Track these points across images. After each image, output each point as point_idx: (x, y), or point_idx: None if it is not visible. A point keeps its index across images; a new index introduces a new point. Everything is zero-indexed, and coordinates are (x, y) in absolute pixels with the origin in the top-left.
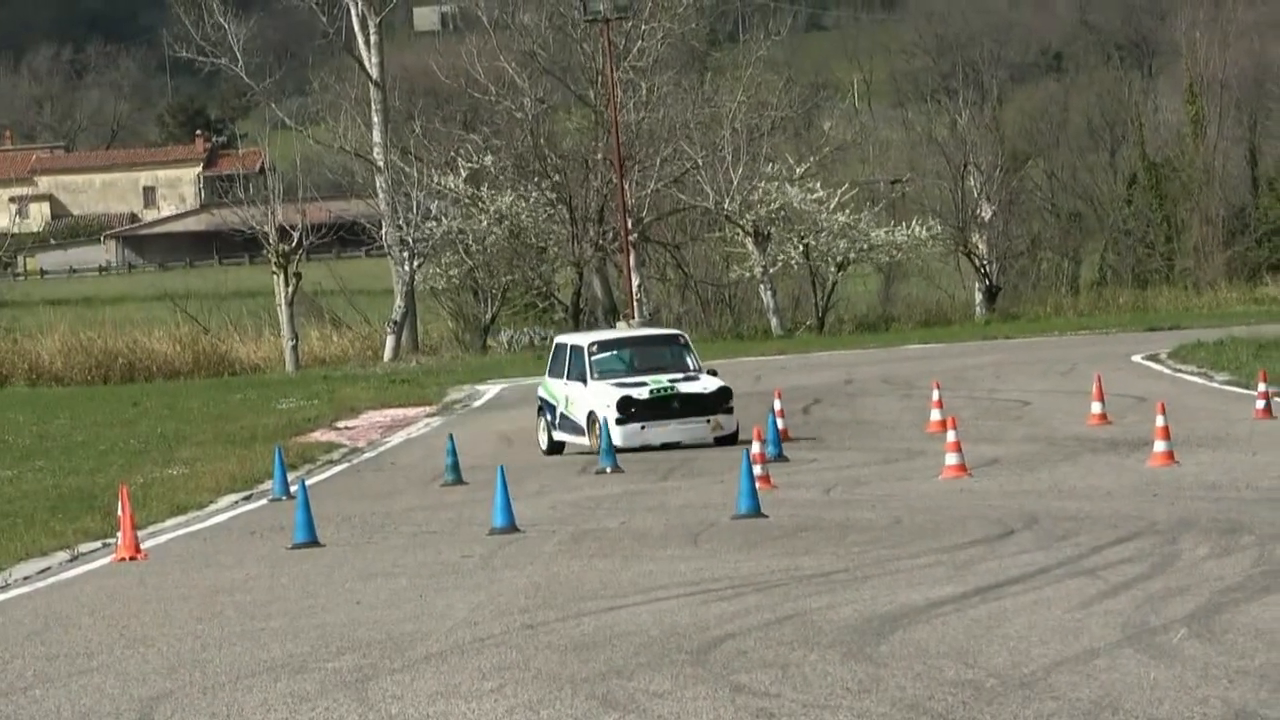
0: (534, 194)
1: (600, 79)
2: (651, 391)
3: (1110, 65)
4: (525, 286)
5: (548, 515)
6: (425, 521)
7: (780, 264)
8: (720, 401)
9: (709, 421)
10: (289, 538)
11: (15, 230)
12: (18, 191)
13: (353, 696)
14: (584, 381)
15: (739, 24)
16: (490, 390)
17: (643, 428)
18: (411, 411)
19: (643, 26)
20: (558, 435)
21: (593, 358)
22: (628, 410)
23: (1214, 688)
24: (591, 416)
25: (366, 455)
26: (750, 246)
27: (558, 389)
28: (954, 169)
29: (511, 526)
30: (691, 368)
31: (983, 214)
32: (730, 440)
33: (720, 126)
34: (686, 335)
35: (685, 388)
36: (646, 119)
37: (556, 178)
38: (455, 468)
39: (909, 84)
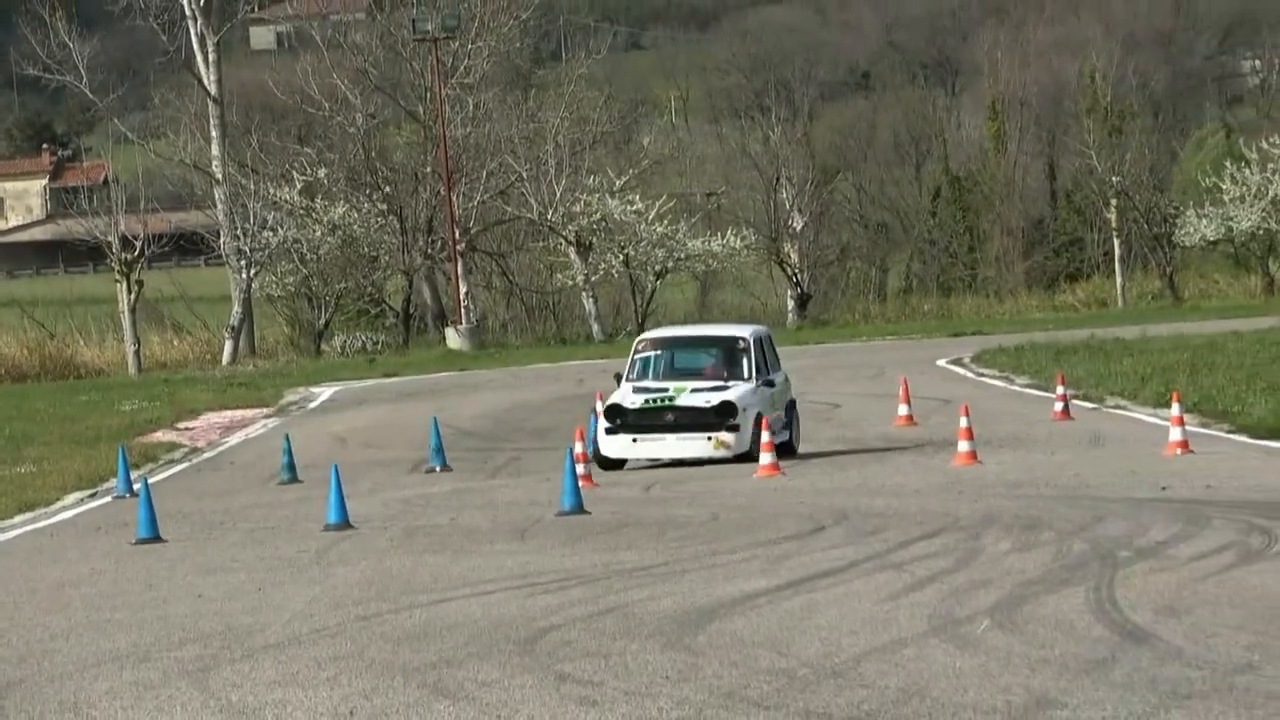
0: (366, 205)
1: (429, 95)
2: (645, 401)
3: (915, 84)
4: (358, 294)
5: (380, 512)
6: (263, 518)
7: (601, 272)
8: (722, 417)
9: (710, 439)
10: (133, 533)
11: None
12: None
13: (195, 685)
14: (619, 382)
15: (561, 43)
16: (325, 392)
17: (634, 440)
18: (249, 413)
19: (469, 46)
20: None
21: (637, 356)
22: (615, 419)
23: (1016, 676)
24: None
25: (206, 455)
26: (573, 256)
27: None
28: (767, 182)
29: (345, 523)
30: (744, 375)
31: (794, 225)
32: (748, 459)
33: (544, 141)
34: (753, 337)
35: (685, 400)
36: (473, 134)
37: (387, 190)
38: (291, 467)
39: (724, 101)
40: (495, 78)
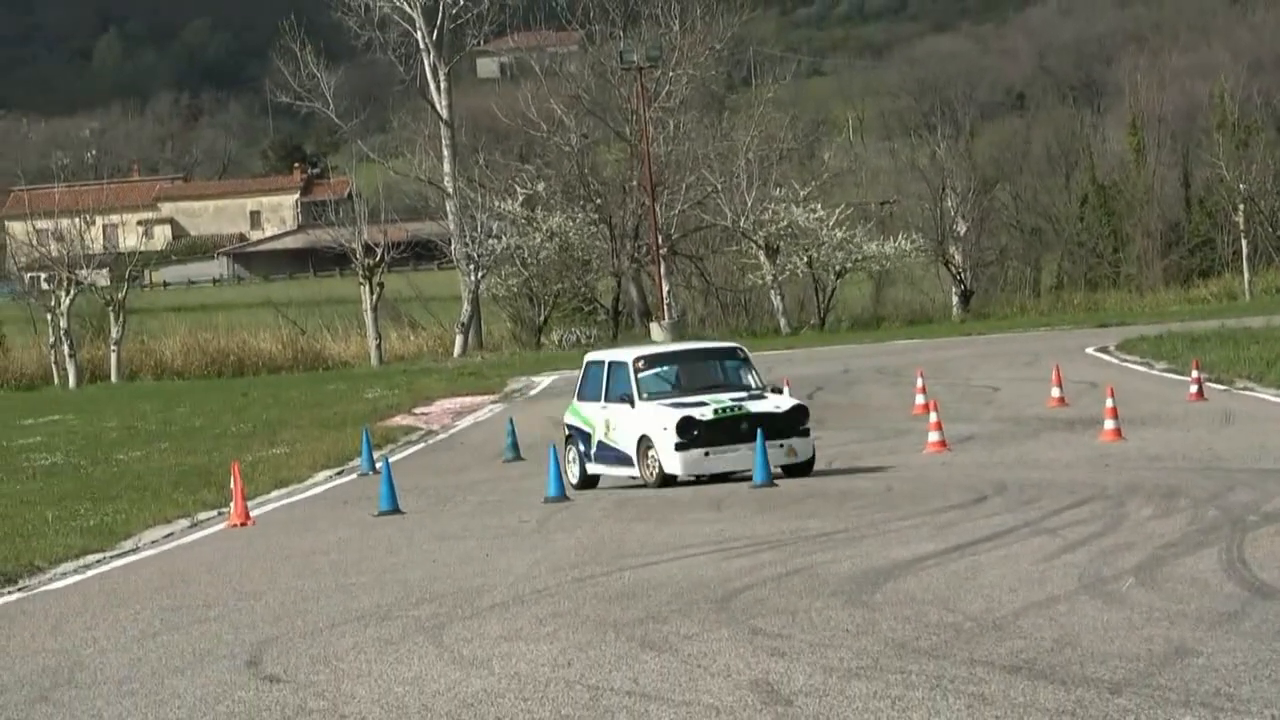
0: (579, 215)
1: (634, 118)
2: (716, 411)
3: (1065, 103)
4: (572, 293)
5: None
6: (490, 492)
7: (787, 273)
8: (795, 423)
9: (782, 446)
10: (375, 506)
11: (142, 248)
12: (144, 215)
13: (430, 640)
14: (630, 403)
15: (752, 71)
16: (544, 381)
17: (706, 454)
18: (477, 399)
19: (670, 73)
20: (594, 467)
21: (639, 375)
22: (689, 433)
23: (1157, 628)
24: (644, 442)
25: (440, 436)
26: (762, 258)
27: (593, 414)
28: (933, 192)
29: (563, 496)
30: (754, 385)
31: (958, 229)
32: (804, 470)
33: (736, 157)
34: (746, 349)
35: (754, 407)
36: (674, 151)
37: (598, 201)
38: (514, 446)
39: (895, 120)
40: (693, 101)
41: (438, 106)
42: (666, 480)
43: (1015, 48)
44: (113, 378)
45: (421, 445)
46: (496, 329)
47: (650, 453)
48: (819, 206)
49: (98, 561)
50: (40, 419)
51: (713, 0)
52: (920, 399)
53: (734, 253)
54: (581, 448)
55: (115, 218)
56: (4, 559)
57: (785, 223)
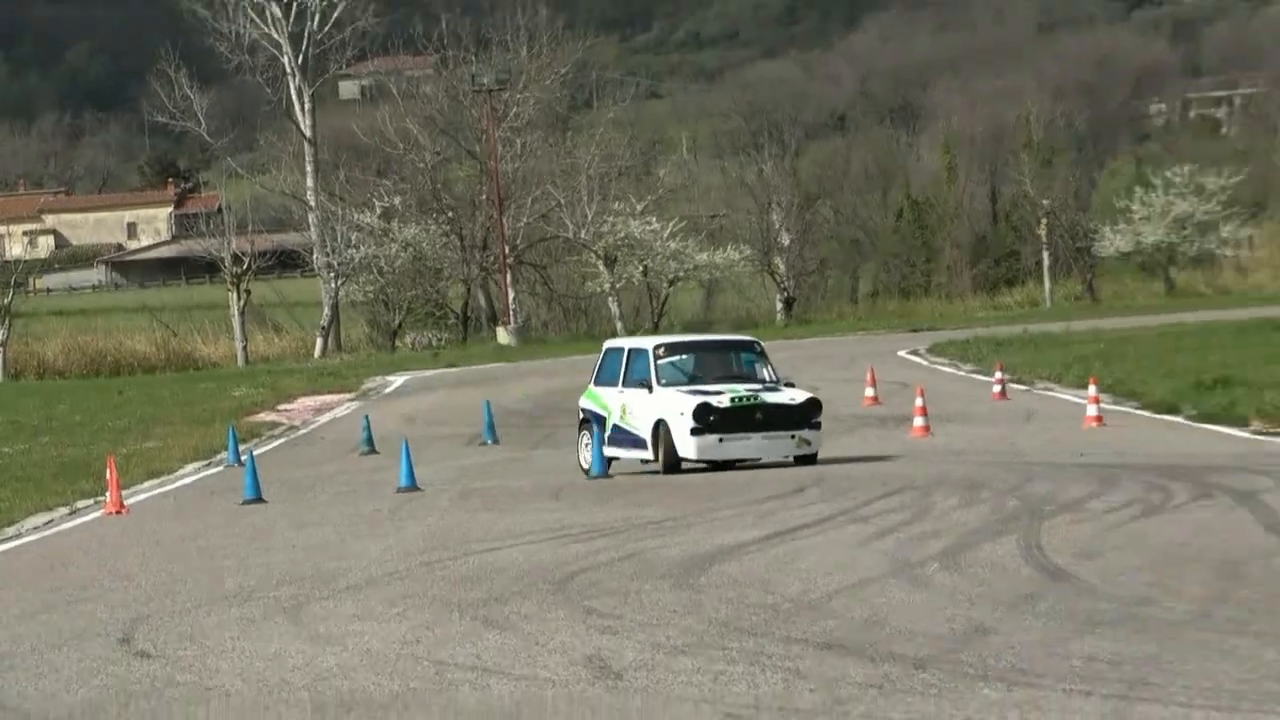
0: (432, 227)
1: (484, 137)
2: (733, 400)
3: (883, 125)
4: (424, 299)
5: (442, 478)
6: (346, 483)
7: (624, 281)
8: (809, 415)
9: (794, 437)
10: (240, 496)
11: (27, 256)
12: (29, 226)
13: (290, 619)
14: (648, 388)
15: (593, 93)
16: (397, 380)
17: (720, 440)
18: (336, 397)
19: (518, 96)
20: (609, 450)
21: (659, 362)
22: (705, 419)
23: (959, 608)
24: (660, 426)
25: (301, 431)
26: (601, 267)
27: (610, 398)
28: (760, 206)
29: (414, 487)
30: (768, 378)
31: (782, 241)
32: (811, 460)
33: (578, 173)
34: (762, 344)
35: (770, 397)
36: (520, 167)
37: (450, 214)
38: (370, 441)
39: (726, 140)
40: (539, 121)
41: (302, 126)
42: (677, 463)
43: (838, 73)
44: None
45: (284, 440)
46: (354, 332)
47: (665, 436)
48: (654, 219)
49: None
50: None
51: (557, 27)
52: None
53: (575, 262)
54: (596, 430)
55: (1, 229)
56: None
57: (623, 234)
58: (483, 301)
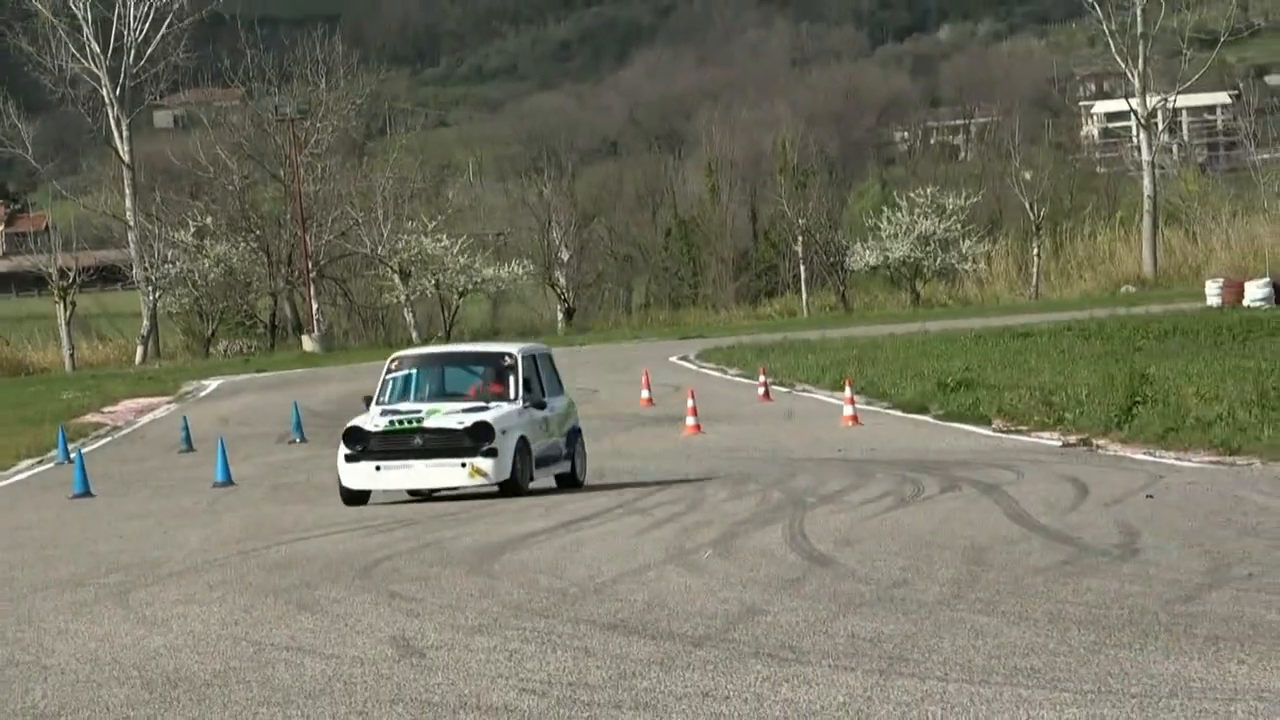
0: (242, 244)
1: (287, 161)
2: (391, 423)
3: (651, 150)
4: (235, 310)
5: (255, 473)
6: (167, 478)
7: (418, 293)
8: (477, 441)
9: (464, 465)
10: (70, 490)
11: None
12: None
13: (118, 603)
14: (367, 405)
15: (387, 122)
16: (212, 384)
17: (378, 468)
18: (156, 400)
19: (318, 124)
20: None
21: (388, 375)
22: (356, 444)
23: (732, 591)
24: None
25: (124, 431)
26: (397, 280)
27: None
28: (541, 224)
29: (229, 481)
30: (510, 395)
31: (562, 256)
32: (511, 489)
33: (374, 195)
34: (522, 355)
35: (436, 420)
36: (321, 189)
37: (258, 232)
38: (188, 439)
39: (508, 164)
40: (337, 147)
41: (120, 152)
42: (347, 494)
43: (609, 103)
44: None
45: (109, 439)
46: (171, 340)
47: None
48: (445, 237)
49: None
50: None
51: (353, 62)
52: None
53: (373, 276)
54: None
55: None
56: None
57: (416, 251)
58: (288, 312)
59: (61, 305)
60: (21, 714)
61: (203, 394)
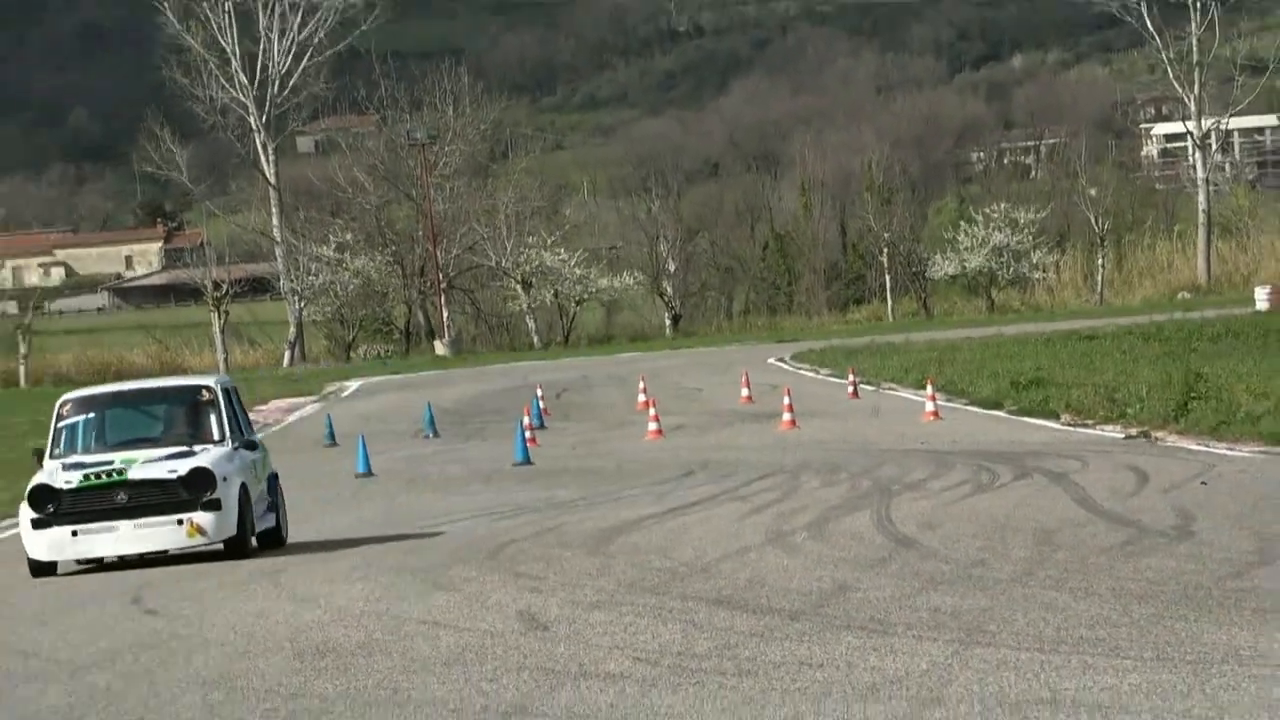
0: (378, 257)
1: (419, 182)
2: (85, 478)
3: (750, 171)
4: (373, 318)
5: (392, 466)
6: (314, 470)
7: (539, 301)
8: (195, 492)
9: (181, 522)
10: None
11: (41, 284)
12: (43, 260)
13: (271, 582)
14: (41, 461)
15: (509, 146)
16: (352, 385)
17: (74, 533)
18: (302, 400)
19: (446, 148)
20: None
21: (60, 424)
22: (44, 507)
23: (825, 570)
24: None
25: (274, 428)
26: (519, 290)
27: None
28: (650, 239)
29: (369, 473)
30: (215, 436)
31: (669, 268)
32: (236, 550)
33: (498, 213)
34: (219, 387)
35: (140, 471)
36: (450, 208)
37: (393, 247)
38: (331, 435)
39: (619, 184)
40: (464, 170)
41: (266, 175)
42: (36, 566)
43: (711, 128)
44: (21, 384)
45: (261, 435)
46: (315, 345)
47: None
48: (562, 250)
49: None
50: None
51: (478, 91)
52: (641, 397)
53: (498, 286)
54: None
55: (20, 262)
56: None
57: (537, 263)
58: (422, 319)
59: (216, 314)
60: (185, 681)
61: (344, 394)
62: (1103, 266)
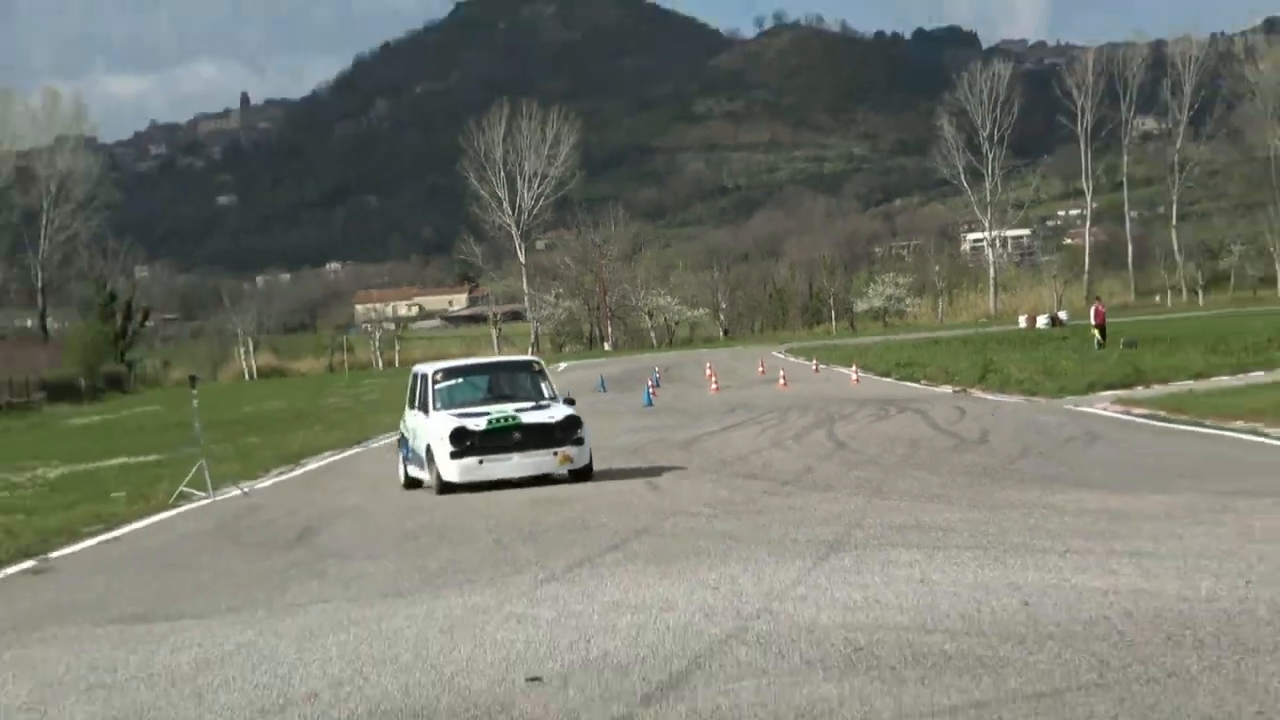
0: (577, 300)
1: (596, 265)
2: (490, 422)
3: (764, 257)
4: (573, 332)
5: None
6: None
7: (656, 322)
8: (568, 432)
9: (555, 454)
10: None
11: (406, 315)
12: (408, 301)
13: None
14: (427, 412)
15: (642, 244)
16: (562, 365)
17: (480, 462)
18: (565, 365)
19: (610, 246)
20: (411, 470)
21: (436, 387)
22: (462, 443)
23: (802, 460)
24: (430, 450)
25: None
26: (646, 317)
27: (410, 421)
28: (712, 292)
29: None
30: (546, 396)
31: (722, 305)
32: (584, 474)
33: (636, 278)
34: (542, 362)
35: (529, 417)
36: (611, 276)
37: (583, 297)
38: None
39: (698, 263)
40: (619, 256)
41: (520, 258)
42: (445, 487)
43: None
44: (396, 365)
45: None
46: (545, 345)
47: (431, 460)
48: (668, 296)
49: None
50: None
51: (626, 218)
52: (708, 371)
53: (636, 314)
54: (404, 451)
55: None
56: None
57: (655, 304)
58: (597, 332)
59: (493, 331)
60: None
61: (559, 370)
62: (941, 305)
